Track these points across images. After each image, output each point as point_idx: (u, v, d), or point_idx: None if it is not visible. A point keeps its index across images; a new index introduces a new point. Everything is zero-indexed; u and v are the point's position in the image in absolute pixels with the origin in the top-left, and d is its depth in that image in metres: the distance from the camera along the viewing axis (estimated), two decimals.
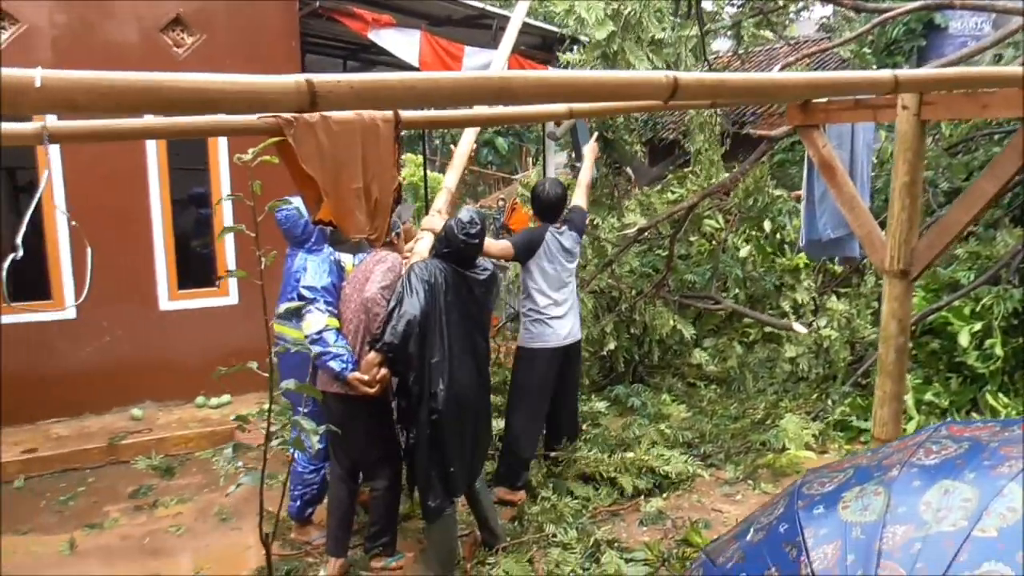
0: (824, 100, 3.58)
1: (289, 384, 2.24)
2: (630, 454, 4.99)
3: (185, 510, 4.71)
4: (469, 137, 4.02)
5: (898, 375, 3.37)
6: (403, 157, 10.81)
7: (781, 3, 6.04)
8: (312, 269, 3.77)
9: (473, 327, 3.71)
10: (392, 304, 3.39)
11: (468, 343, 3.64)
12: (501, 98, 2.09)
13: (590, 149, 4.97)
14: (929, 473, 1.49)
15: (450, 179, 3.90)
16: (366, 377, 3.41)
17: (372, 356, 3.39)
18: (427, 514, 3.64)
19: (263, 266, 2.11)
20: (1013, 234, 6.24)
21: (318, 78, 1.84)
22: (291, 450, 3.83)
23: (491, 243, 4.40)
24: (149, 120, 2.46)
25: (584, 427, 5.51)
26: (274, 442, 2.25)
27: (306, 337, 3.49)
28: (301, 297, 3.63)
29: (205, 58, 5.87)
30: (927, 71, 2.70)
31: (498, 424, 5.40)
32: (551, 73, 1.85)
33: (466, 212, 3.66)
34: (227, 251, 6.12)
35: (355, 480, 3.86)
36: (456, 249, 3.58)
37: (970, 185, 3.30)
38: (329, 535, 3.85)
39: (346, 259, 4.27)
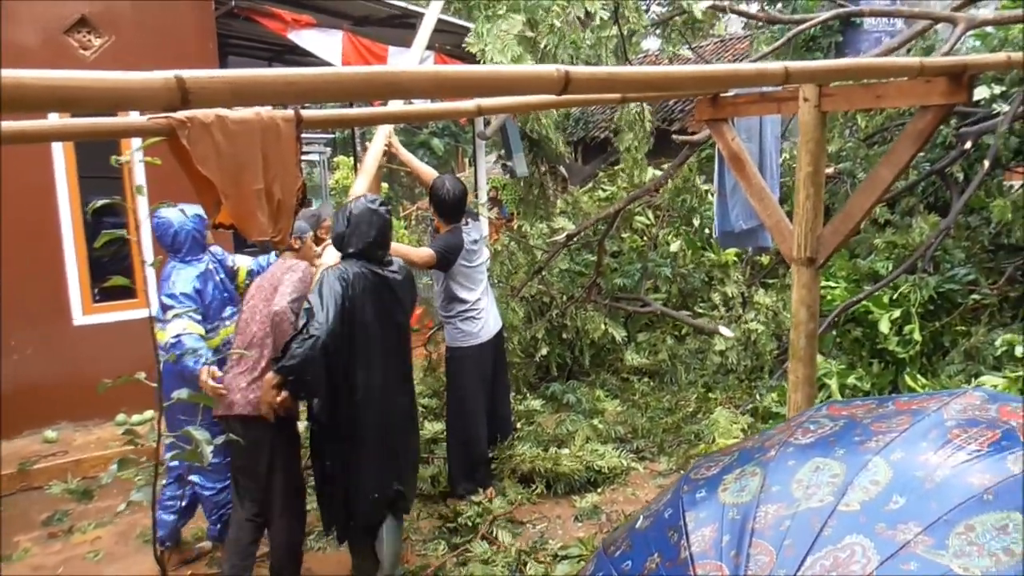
0: (731, 94, 3.66)
1: (182, 394, 2.16)
2: (565, 450, 5.01)
3: (105, 534, 4.51)
4: (379, 140, 3.91)
5: (809, 360, 3.43)
6: (335, 160, 10.69)
7: (697, 16, 6.10)
8: (176, 277, 3.67)
9: (399, 336, 3.54)
10: (302, 321, 3.15)
11: (395, 355, 3.47)
12: (389, 93, 2.05)
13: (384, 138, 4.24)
14: (804, 452, 1.51)
15: (360, 185, 3.76)
16: (218, 374, 3.25)
17: (270, 377, 3.15)
18: (357, 536, 3.50)
19: (145, 272, 2.02)
20: (928, 221, 6.47)
21: (190, 74, 1.76)
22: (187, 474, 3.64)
23: (410, 250, 4.27)
24: (23, 123, 2.35)
25: (519, 425, 5.53)
26: (167, 455, 2.17)
27: (164, 345, 3.37)
28: (162, 306, 3.55)
29: (115, 60, 5.68)
30: (818, 63, 2.76)
31: (433, 427, 5.40)
32: (441, 68, 1.84)
33: (368, 195, 3.50)
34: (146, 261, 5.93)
35: (260, 529, 3.55)
36: (363, 234, 3.34)
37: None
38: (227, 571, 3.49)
39: (242, 261, 4.15)
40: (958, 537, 1.22)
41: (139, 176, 5.65)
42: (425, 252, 4.28)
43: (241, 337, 3.46)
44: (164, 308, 3.55)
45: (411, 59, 4.04)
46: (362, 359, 3.30)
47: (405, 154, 4.46)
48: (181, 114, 2.58)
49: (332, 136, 11.51)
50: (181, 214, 3.74)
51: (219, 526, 4.01)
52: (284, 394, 3.18)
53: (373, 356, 3.33)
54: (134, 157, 2.35)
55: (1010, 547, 1.19)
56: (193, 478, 3.90)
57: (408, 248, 4.30)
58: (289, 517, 3.47)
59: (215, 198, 2.73)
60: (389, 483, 3.44)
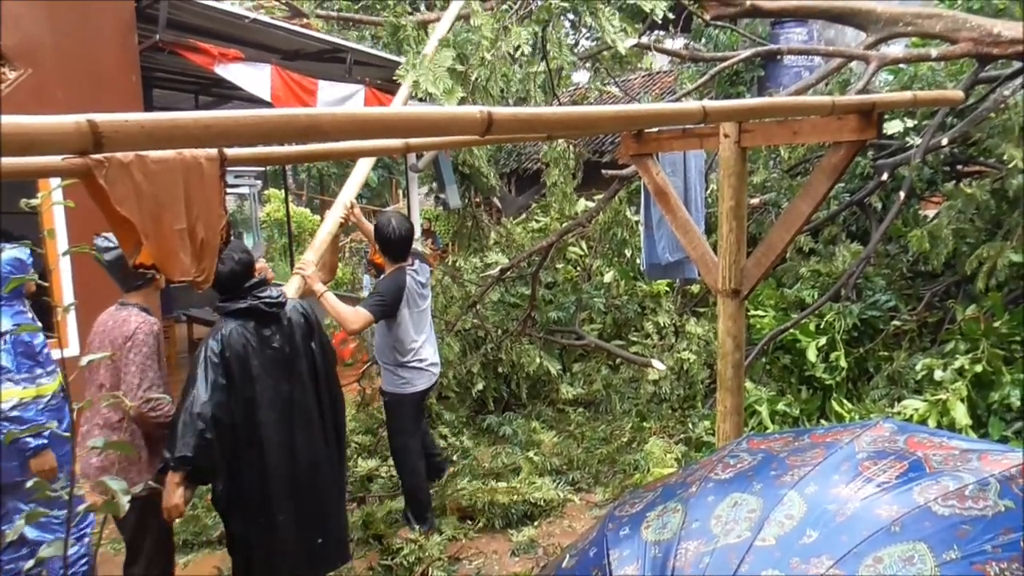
0: (655, 130, 3.75)
1: (97, 443, 2.07)
2: (502, 484, 4.98)
3: None
4: (335, 212, 3.76)
5: (737, 389, 3.50)
6: (266, 192, 10.55)
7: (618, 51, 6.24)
8: None
9: (309, 385, 3.28)
10: (182, 398, 2.89)
11: (304, 409, 3.23)
12: (308, 136, 2.04)
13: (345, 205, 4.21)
14: (723, 487, 1.54)
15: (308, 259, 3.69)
16: (48, 468, 3.00)
17: (172, 476, 2.85)
18: None
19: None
20: (850, 249, 6.71)
21: (102, 118, 1.72)
22: None
23: (346, 315, 4.00)
24: None
25: (454, 459, 5.47)
26: (80, 507, 2.08)
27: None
28: None
29: (33, 93, 5.49)
30: (735, 103, 2.87)
31: (367, 464, 5.30)
32: (363, 110, 1.84)
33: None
34: (64, 300, 5.70)
35: None
36: (234, 278, 3.11)
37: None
38: None
39: None
40: (867, 569, 1.25)
41: (58, 217, 5.46)
42: (362, 316, 4.07)
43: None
44: None
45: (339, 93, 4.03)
46: (263, 415, 3.09)
47: (366, 225, 4.39)
48: (99, 154, 2.51)
49: (263, 169, 11.33)
50: None
51: None
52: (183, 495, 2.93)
53: (273, 409, 3.13)
54: (51, 198, 2.25)
55: None
56: (30, 534, 3.40)
57: (344, 312, 4.01)
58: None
59: (135, 239, 2.65)
60: (312, 537, 3.28)
